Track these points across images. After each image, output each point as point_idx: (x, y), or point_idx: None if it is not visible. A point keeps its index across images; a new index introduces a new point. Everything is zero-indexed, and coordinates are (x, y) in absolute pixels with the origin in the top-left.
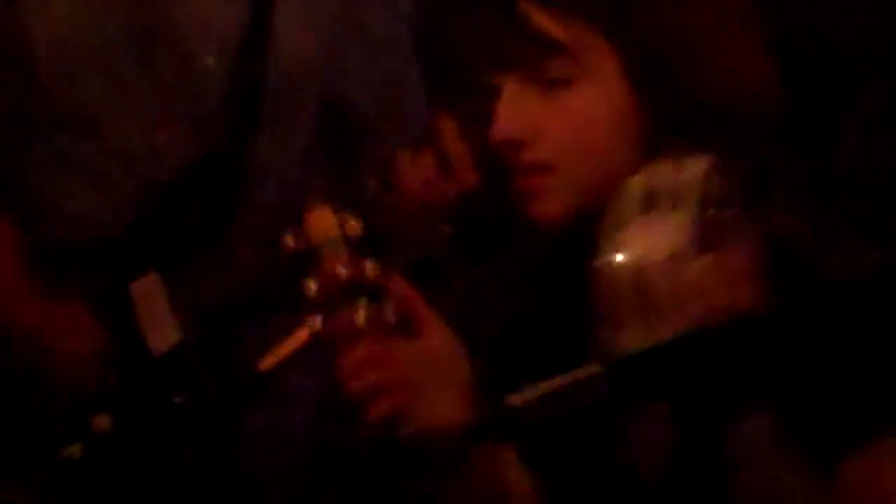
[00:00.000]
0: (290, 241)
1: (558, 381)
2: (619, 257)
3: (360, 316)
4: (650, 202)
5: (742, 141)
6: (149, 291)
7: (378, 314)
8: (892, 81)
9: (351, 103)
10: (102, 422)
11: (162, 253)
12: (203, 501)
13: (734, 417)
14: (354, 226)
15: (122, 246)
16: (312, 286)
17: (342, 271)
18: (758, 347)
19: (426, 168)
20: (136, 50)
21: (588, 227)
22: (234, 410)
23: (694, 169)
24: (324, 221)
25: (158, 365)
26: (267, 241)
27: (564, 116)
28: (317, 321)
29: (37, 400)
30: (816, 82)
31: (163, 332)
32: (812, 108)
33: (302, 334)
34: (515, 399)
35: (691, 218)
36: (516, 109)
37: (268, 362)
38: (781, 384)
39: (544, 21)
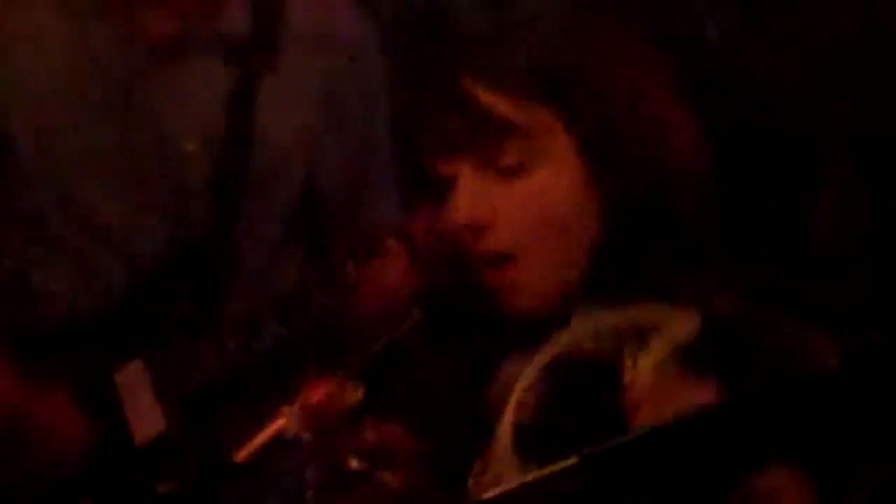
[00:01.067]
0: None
1: (534, 472)
2: None
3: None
4: None
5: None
6: (134, 379)
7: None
8: (858, 160)
9: (325, 194)
10: None
11: (146, 339)
12: None
13: None
14: (355, 395)
15: (106, 331)
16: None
17: (354, 466)
18: (719, 437)
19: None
20: (118, 132)
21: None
22: (214, 498)
23: None
24: (328, 405)
25: (143, 454)
26: (247, 329)
27: (523, 200)
28: (292, 410)
29: (19, 488)
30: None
31: (147, 420)
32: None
33: (277, 424)
34: (491, 492)
35: None
36: (475, 195)
37: (243, 453)
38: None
39: (493, 101)
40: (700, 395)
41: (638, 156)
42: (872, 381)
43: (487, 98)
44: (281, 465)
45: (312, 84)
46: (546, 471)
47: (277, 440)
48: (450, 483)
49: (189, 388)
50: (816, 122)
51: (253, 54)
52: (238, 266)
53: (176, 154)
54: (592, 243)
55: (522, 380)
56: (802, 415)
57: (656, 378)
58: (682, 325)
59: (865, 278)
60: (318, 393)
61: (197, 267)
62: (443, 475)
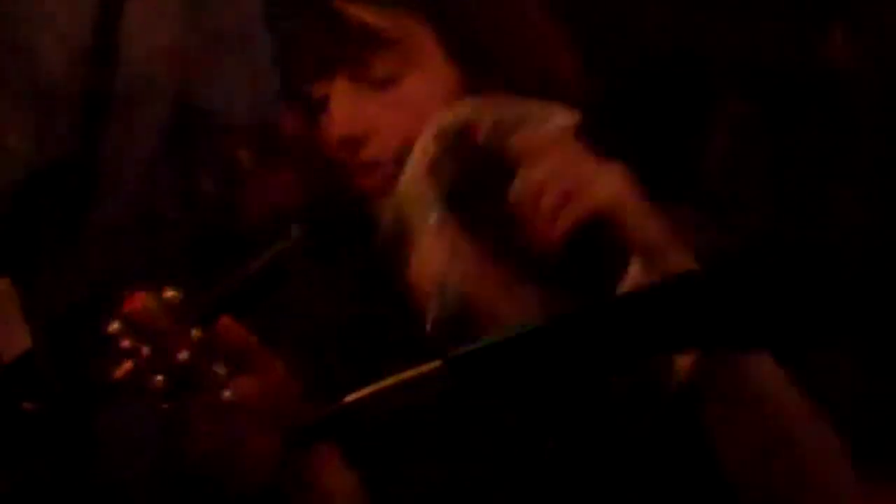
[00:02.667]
0: (112, 325)
1: (396, 377)
2: None
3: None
4: None
5: None
6: (1, 296)
7: (212, 376)
8: (753, 87)
9: (199, 104)
10: None
11: (14, 258)
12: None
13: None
14: (173, 296)
15: None
16: (157, 382)
17: (184, 357)
18: (597, 338)
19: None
20: None
21: None
22: (85, 414)
23: None
24: (147, 312)
25: (7, 371)
26: (121, 247)
27: (399, 108)
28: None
29: None
30: (678, 89)
31: (13, 338)
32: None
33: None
34: (351, 396)
35: None
36: (349, 110)
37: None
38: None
39: (361, 13)
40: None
41: (510, 63)
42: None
43: (355, 10)
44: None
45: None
46: (410, 373)
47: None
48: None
49: (58, 306)
50: (707, 54)
51: None
52: (108, 184)
53: (40, 69)
54: None
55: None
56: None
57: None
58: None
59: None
60: (136, 302)
61: (63, 186)
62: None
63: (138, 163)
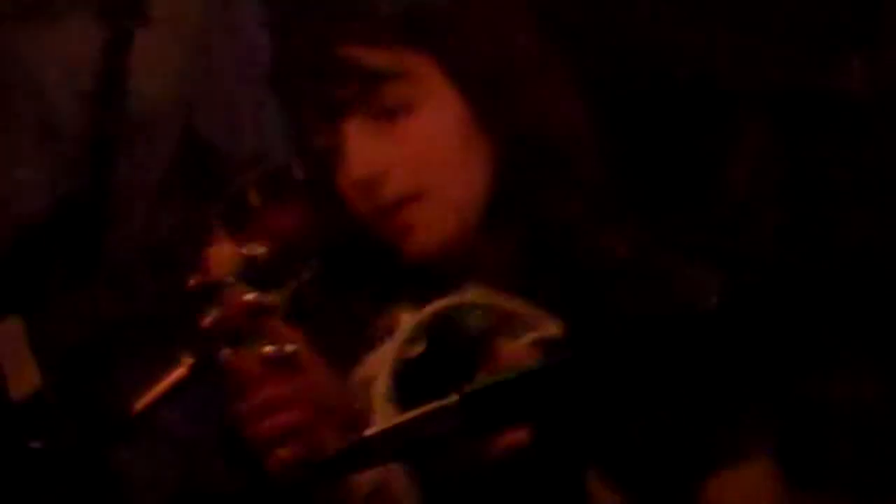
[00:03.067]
0: (192, 279)
1: (413, 412)
2: None
3: (266, 351)
4: None
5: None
6: (10, 335)
7: (278, 350)
8: (774, 114)
9: (205, 139)
10: None
11: (24, 295)
12: None
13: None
14: (262, 253)
15: None
16: (211, 322)
17: (244, 303)
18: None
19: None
20: None
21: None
22: (98, 453)
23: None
24: (225, 255)
25: (17, 411)
26: (130, 283)
27: (413, 140)
28: (189, 359)
29: None
30: (695, 111)
31: (23, 377)
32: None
33: (178, 372)
34: (369, 430)
35: None
36: (365, 150)
37: (143, 402)
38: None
39: (365, 54)
40: None
41: (513, 97)
42: (750, 320)
43: (360, 52)
44: (167, 419)
45: (186, 30)
46: (426, 409)
47: (175, 389)
48: None
49: (69, 343)
50: (733, 73)
51: (125, 7)
52: (117, 220)
53: (50, 105)
54: (488, 185)
55: (400, 333)
56: (682, 352)
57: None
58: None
59: (777, 228)
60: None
61: (75, 221)
62: None
63: (147, 198)
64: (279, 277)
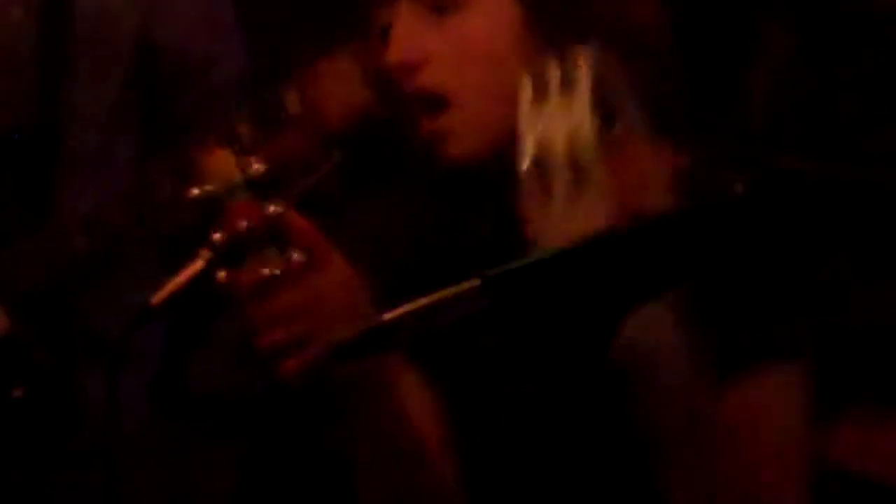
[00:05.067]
0: (192, 191)
1: (435, 295)
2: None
3: (271, 266)
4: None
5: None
6: None
7: (285, 258)
8: (795, 24)
9: (162, 49)
10: None
11: None
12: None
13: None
14: (258, 168)
15: None
16: (217, 235)
17: (245, 219)
18: (641, 257)
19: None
20: None
21: (497, 161)
22: (76, 381)
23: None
24: (223, 165)
25: None
26: (90, 224)
27: (457, 39)
28: (207, 253)
29: None
30: (719, 23)
31: None
32: (716, 48)
33: (196, 265)
34: (389, 314)
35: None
36: (408, 35)
37: (160, 294)
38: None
39: None
40: None
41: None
42: (777, 207)
43: None
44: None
45: None
46: (446, 292)
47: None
48: None
49: (35, 284)
50: None
51: None
52: (70, 151)
53: (3, 23)
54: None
55: None
56: (709, 239)
57: None
58: None
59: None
60: (217, 162)
61: (25, 154)
62: None
63: (101, 110)
64: (283, 185)
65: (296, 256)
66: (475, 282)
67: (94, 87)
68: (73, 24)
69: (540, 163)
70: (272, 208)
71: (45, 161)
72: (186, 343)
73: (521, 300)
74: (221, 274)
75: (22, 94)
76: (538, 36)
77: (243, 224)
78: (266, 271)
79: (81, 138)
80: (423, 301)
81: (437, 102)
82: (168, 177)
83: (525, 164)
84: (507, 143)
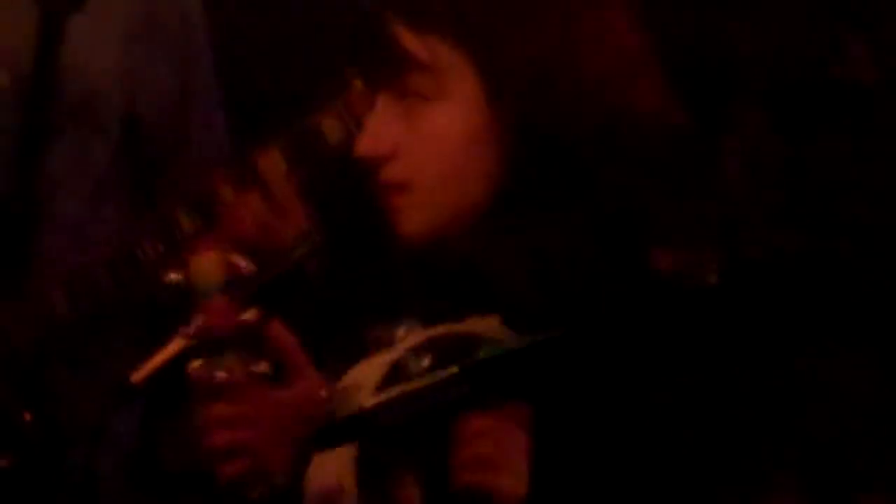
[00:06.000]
0: (171, 275)
1: (415, 383)
2: None
3: (229, 372)
4: None
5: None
6: None
7: (250, 365)
8: (769, 104)
9: (146, 123)
10: None
11: None
12: None
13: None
14: (244, 268)
15: None
16: (193, 329)
17: (216, 321)
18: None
19: (253, 209)
20: None
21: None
22: (58, 452)
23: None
24: (208, 265)
25: None
26: (74, 287)
27: (423, 134)
28: (190, 330)
29: None
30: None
31: None
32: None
33: (177, 344)
34: (369, 401)
35: None
36: (380, 127)
37: (141, 373)
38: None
39: (406, 38)
40: None
41: (547, 116)
42: (750, 297)
43: (404, 36)
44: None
45: (125, 16)
46: (428, 380)
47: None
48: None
49: (17, 347)
50: (725, 62)
51: None
52: (53, 216)
53: None
54: (492, 182)
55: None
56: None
57: None
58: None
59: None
60: (202, 262)
61: (6, 219)
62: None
63: (84, 189)
64: (262, 290)
65: (261, 368)
66: (453, 369)
67: (81, 157)
68: (62, 95)
69: None
70: (248, 314)
71: (26, 228)
72: (161, 421)
73: (499, 387)
74: (193, 364)
75: (2, 160)
76: (503, 125)
77: (213, 325)
78: (222, 374)
79: (64, 207)
80: (403, 389)
81: (398, 187)
82: (150, 240)
83: None
84: (460, 232)
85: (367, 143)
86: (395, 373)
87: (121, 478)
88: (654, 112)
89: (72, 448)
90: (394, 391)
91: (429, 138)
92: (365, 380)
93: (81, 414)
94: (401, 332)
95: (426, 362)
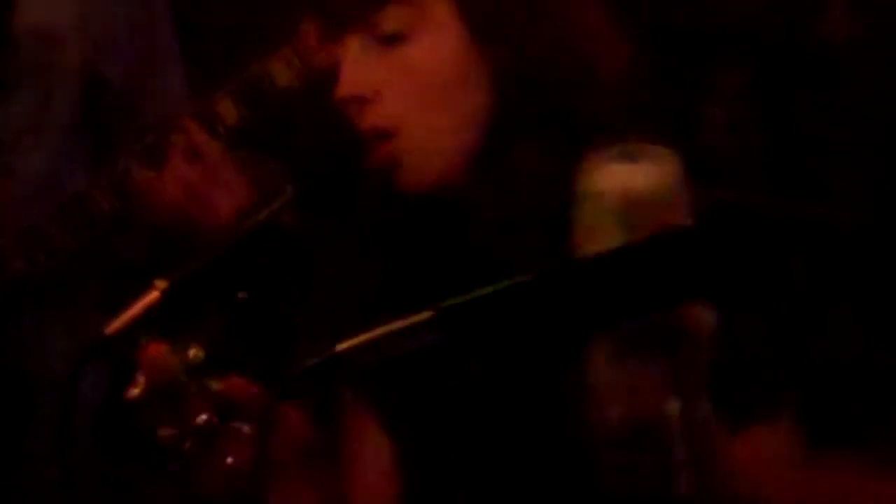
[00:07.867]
0: (133, 390)
1: (388, 326)
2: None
3: (231, 459)
4: None
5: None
6: None
7: (234, 435)
8: (749, 65)
9: (106, 77)
10: None
11: None
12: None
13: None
14: (196, 353)
15: None
16: (168, 435)
17: (203, 413)
18: (598, 288)
19: (180, 174)
20: None
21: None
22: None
23: None
24: (161, 361)
25: None
26: (27, 237)
27: (405, 69)
28: (162, 283)
29: None
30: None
31: None
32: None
33: (151, 296)
34: (343, 345)
35: None
36: (355, 71)
37: (115, 325)
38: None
39: None
40: None
41: (522, 27)
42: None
43: None
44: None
45: None
46: (400, 324)
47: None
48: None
49: None
50: (706, 26)
51: None
52: (14, 170)
53: None
54: (482, 114)
55: None
56: (664, 271)
57: None
58: None
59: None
60: (154, 360)
61: None
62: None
63: (45, 146)
64: (239, 248)
65: (245, 430)
66: (428, 313)
67: (41, 111)
68: (17, 51)
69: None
70: (214, 385)
71: None
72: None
73: (475, 332)
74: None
75: None
76: (485, 65)
77: (203, 418)
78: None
79: (28, 161)
80: (376, 332)
81: (386, 133)
82: (104, 192)
83: None
84: (458, 171)
85: (346, 86)
86: None
87: (88, 439)
88: (620, 66)
89: (41, 405)
90: (366, 335)
91: (410, 77)
92: None
93: (52, 370)
94: None
95: None
